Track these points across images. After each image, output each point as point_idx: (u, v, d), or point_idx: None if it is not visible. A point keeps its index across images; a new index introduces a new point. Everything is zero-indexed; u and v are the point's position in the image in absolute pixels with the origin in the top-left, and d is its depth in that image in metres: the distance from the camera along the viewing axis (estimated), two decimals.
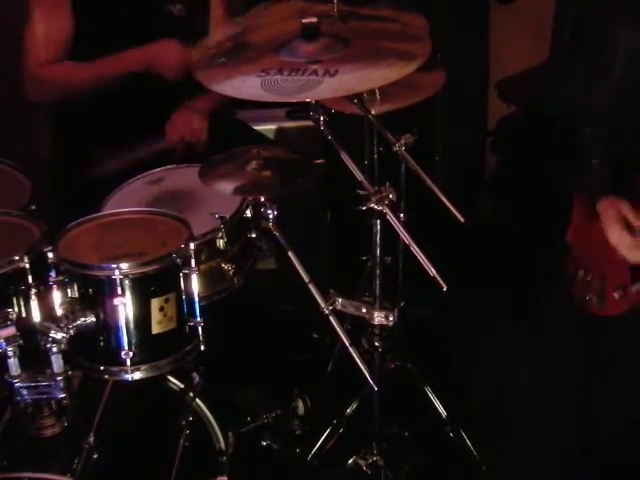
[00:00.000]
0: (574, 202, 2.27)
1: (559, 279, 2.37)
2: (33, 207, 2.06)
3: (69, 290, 1.77)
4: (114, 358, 1.77)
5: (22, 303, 1.78)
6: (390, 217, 1.98)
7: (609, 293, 2.11)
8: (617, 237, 1.99)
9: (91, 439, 1.86)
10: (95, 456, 1.84)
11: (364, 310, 2.09)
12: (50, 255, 1.78)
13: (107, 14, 2.44)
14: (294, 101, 1.92)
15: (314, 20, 1.93)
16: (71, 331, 1.71)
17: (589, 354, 2.36)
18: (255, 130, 2.89)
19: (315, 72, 1.83)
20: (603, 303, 2.14)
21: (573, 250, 2.28)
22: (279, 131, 3.32)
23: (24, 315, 1.78)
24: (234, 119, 2.96)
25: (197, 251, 1.84)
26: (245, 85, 1.86)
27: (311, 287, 1.96)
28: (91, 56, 2.43)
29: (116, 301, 1.72)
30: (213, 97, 2.54)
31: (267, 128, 3.25)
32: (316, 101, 2.01)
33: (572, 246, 2.28)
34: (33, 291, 1.78)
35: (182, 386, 2.16)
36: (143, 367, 1.79)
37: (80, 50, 2.48)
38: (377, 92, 2.43)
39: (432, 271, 1.95)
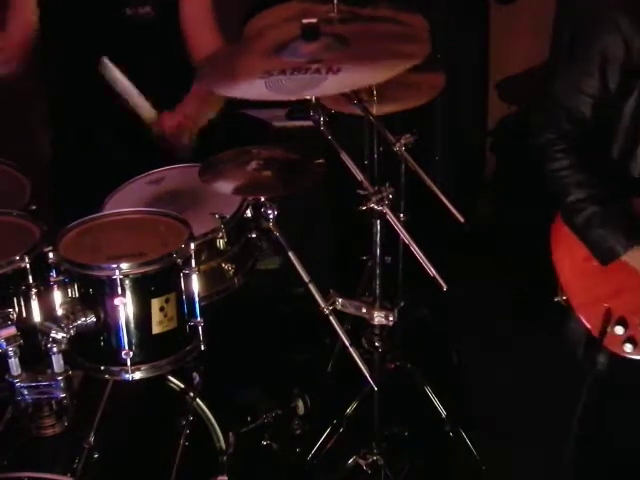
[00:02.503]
0: (558, 258, 2.09)
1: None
2: (33, 207, 2.06)
3: (69, 290, 1.77)
4: (114, 358, 1.76)
5: (22, 303, 1.78)
6: (390, 217, 1.98)
7: None
8: None
9: (91, 439, 1.86)
10: (95, 456, 1.84)
11: (364, 310, 2.09)
12: (50, 255, 1.77)
13: (67, 15, 2.42)
14: (297, 99, 1.92)
15: (314, 20, 1.93)
16: (71, 331, 1.70)
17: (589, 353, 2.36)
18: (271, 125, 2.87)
19: (318, 70, 1.83)
20: None
21: (582, 307, 2.05)
22: (279, 131, 3.32)
23: (24, 315, 1.78)
24: (247, 115, 2.94)
25: (197, 251, 1.84)
26: (250, 87, 1.87)
27: (311, 287, 1.96)
28: (58, 54, 2.44)
29: (116, 301, 1.71)
30: (199, 99, 2.46)
31: (276, 126, 3.25)
32: (316, 101, 2.01)
33: (578, 303, 2.06)
34: (33, 291, 1.78)
35: (182, 386, 2.16)
36: (143, 367, 1.79)
37: (47, 47, 2.49)
38: (374, 93, 2.43)
39: (432, 271, 1.95)
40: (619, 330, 1.97)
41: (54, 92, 2.59)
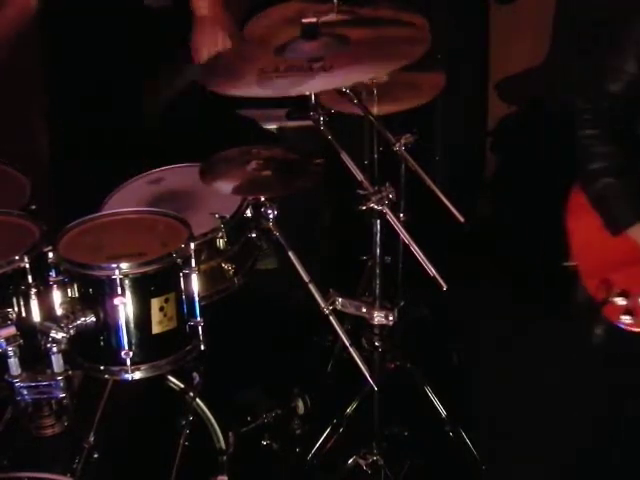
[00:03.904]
0: (572, 224, 2.16)
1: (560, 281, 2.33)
2: (33, 207, 2.06)
3: (69, 290, 1.77)
4: (114, 358, 1.77)
5: (22, 303, 1.78)
6: (390, 217, 1.98)
7: None
8: None
9: (91, 439, 1.86)
10: (95, 456, 1.85)
11: (364, 310, 2.09)
12: (50, 255, 1.78)
13: (84, 5, 2.43)
14: (288, 96, 1.92)
15: (314, 20, 1.93)
16: (71, 331, 1.71)
17: (588, 354, 2.36)
18: (261, 127, 2.87)
19: (310, 68, 1.83)
20: None
21: (588, 274, 2.10)
22: (279, 131, 3.32)
23: (24, 315, 1.78)
24: (240, 116, 2.94)
25: (197, 251, 1.84)
26: (242, 83, 1.87)
27: (311, 287, 1.96)
28: (69, 52, 2.46)
29: (116, 301, 1.72)
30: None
31: (267, 128, 3.25)
32: (316, 101, 2.01)
33: (586, 270, 2.11)
34: (33, 291, 1.78)
35: (182, 386, 2.16)
36: (143, 367, 1.79)
37: (57, 44, 2.50)
38: (375, 92, 2.43)
39: (432, 271, 1.95)
40: (620, 301, 2.00)
41: (57, 87, 2.58)
